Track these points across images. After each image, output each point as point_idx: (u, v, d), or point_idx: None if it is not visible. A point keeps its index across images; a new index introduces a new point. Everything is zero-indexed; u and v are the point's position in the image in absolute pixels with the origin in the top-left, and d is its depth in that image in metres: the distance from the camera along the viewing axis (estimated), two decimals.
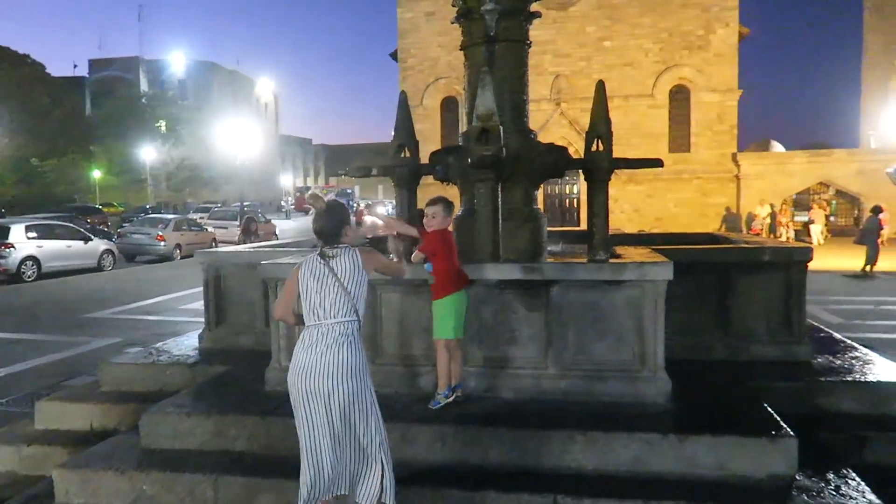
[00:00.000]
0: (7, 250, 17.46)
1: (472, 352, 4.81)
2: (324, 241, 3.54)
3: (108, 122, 52.04)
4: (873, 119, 37.87)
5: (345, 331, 3.42)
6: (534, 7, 6.21)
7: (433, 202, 4.58)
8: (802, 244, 7.23)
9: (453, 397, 4.54)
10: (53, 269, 18.47)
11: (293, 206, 66.65)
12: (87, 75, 64.10)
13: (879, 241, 17.71)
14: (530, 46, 6.37)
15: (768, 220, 26.80)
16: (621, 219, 27.65)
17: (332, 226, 3.51)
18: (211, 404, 4.81)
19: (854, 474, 3.95)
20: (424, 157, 5.96)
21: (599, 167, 5.30)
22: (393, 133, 6.17)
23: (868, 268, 16.96)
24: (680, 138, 28.95)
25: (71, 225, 21.86)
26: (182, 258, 23.00)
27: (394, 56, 32.07)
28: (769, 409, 4.39)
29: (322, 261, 3.49)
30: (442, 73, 30.29)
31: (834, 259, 19.13)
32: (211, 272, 6.48)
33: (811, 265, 5.96)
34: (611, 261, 4.93)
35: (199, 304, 7.60)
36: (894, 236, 23.82)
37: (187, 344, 6.88)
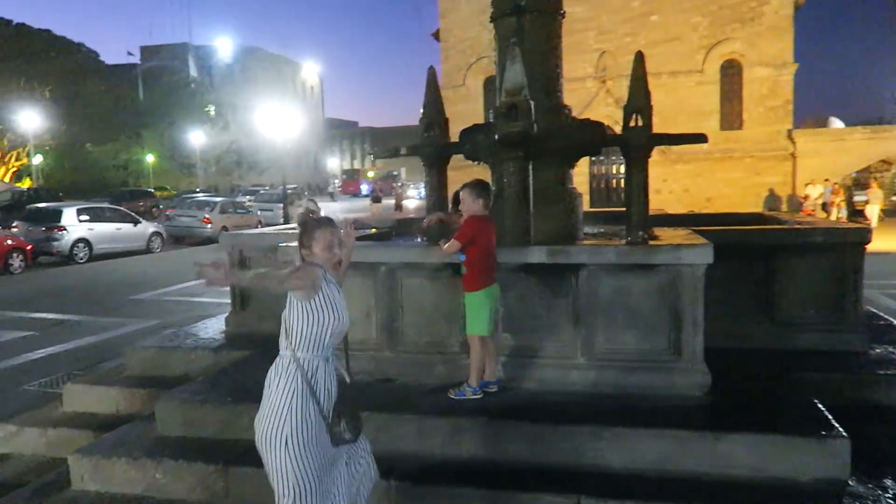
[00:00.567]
0: (60, 233, 17.98)
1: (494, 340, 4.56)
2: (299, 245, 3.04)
3: (158, 107, 53.26)
4: None
5: (277, 369, 2.89)
6: None
7: (462, 187, 4.37)
8: (859, 224, 6.73)
9: (482, 394, 4.31)
10: (104, 251, 18.95)
11: (339, 189, 67.27)
12: (139, 62, 65.62)
13: None
14: (564, 17, 6.03)
15: (821, 201, 25.62)
16: (670, 199, 26.81)
17: (301, 230, 3.00)
18: (226, 392, 4.71)
19: None
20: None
21: (637, 143, 4.96)
22: (421, 111, 5.95)
23: None
24: (731, 115, 27.82)
25: (120, 208, 22.37)
26: None
27: (436, 36, 31.69)
28: (818, 404, 4.03)
29: None
30: (484, 51, 29.70)
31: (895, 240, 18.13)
32: (235, 255, 6.39)
33: (869, 247, 5.51)
34: (648, 243, 4.60)
35: None
36: None
37: (215, 328, 6.82)
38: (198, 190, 47.34)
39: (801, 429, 3.71)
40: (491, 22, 6.06)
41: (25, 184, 39.86)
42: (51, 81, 43.95)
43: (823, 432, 3.64)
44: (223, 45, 69.00)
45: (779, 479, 3.54)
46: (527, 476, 3.71)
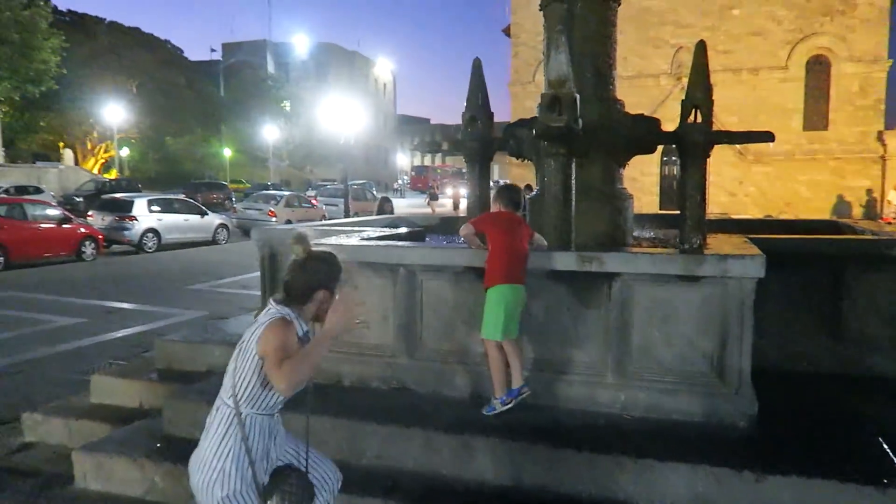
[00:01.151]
0: (131, 223, 18.63)
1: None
2: (287, 300, 2.61)
3: (236, 102, 54.93)
4: None
5: (217, 416, 2.60)
6: None
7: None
8: None
9: (513, 403, 3.93)
10: (172, 241, 19.53)
11: (408, 185, 67.72)
12: (221, 59, 67.88)
13: None
14: (619, 4, 5.60)
15: None
16: (745, 202, 25.50)
17: (300, 285, 2.58)
18: None
19: None
20: None
21: (694, 141, 4.49)
22: (465, 105, 5.65)
23: None
24: (815, 115, 26.17)
25: (189, 200, 23.02)
26: None
27: (507, 32, 31.25)
28: (884, 444, 3.49)
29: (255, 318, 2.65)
30: None
31: None
32: (266, 249, 6.23)
33: None
34: (692, 252, 4.13)
35: None
36: None
37: (247, 322, 6.68)
38: (269, 184, 48.55)
39: (861, 473, 3.19)
40: (540, 10, 5.71)
41: (111, 174, 41.77)
42: (138, 76, 46.02)
43: (885, 480, 3.11)
44: (300, 42, 70.51)
45: None
46: None
